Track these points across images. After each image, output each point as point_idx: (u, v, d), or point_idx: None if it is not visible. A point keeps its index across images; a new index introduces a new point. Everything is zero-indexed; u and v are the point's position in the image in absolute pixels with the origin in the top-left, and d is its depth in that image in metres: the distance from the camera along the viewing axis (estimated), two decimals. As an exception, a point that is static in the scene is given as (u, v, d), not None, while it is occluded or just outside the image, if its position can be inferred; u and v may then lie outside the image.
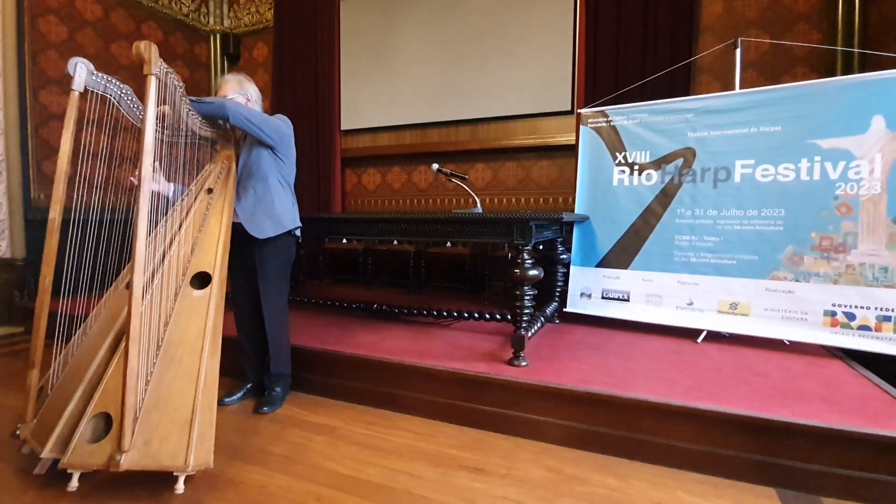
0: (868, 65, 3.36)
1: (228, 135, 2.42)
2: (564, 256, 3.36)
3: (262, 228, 2.27)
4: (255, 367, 2.54)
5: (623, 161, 3.28)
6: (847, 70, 3.54)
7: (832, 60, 3.65)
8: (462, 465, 1.94)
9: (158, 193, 2.14)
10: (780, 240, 2.76)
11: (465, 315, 3.10)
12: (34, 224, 4.18)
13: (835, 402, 1.97)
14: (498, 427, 2.22)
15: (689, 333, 2.96)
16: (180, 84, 1.95)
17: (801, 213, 2.70)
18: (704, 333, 2.93)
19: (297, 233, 2.46)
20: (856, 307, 2.56)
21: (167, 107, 1.95)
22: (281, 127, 2.34)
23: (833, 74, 3.53)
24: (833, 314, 2.61)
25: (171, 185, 2.26)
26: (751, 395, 2.03)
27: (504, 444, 2.12)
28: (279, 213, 2.32)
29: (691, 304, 3.00)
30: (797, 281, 2.71)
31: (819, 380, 2.25)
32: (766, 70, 3.95)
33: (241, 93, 2.37)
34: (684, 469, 1.89)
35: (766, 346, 2.77)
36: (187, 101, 2.03)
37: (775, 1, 3.91)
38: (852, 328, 2.56)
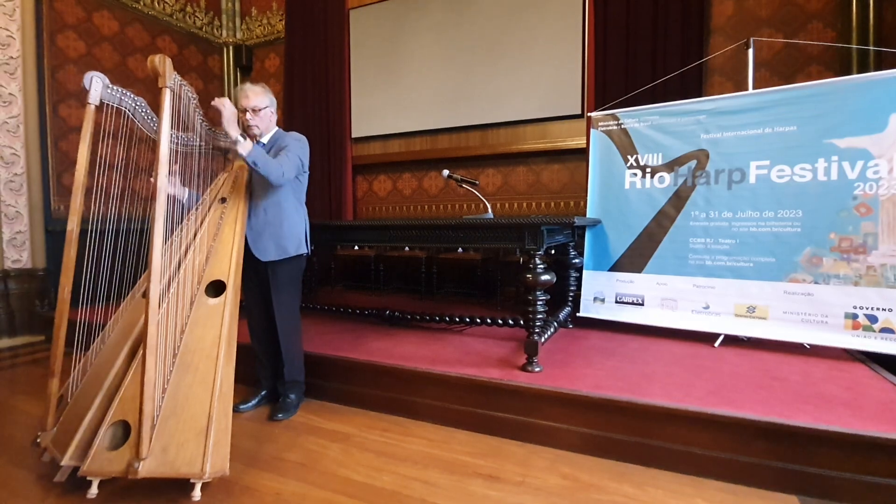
0: (884, 63, 3.30)
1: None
2: (577, 261, 3.34)
3: (266, 251, 2.31)
4: (269, 374, 2.56)
5: (635, 164, 3.26)
6: (863, 68, 3.49)
7: (847, 59, 3.59)
8: (476, 472, 1.93)
9: (174, 197, 2.17)
10: (797, 241, 2.71)
11: (478, 321, 3.09)
12: (54, 235, 4.27)
13: (858, 407, 1.92)
14: (512, 434, 2.21)
15: (706, 338, 2.92)
16: (194, 96, 1.99)
17: (819, 214, 2.65)
18: (722, 337, 2.88)
19: (305, 250, 2.46)
20: (878, 309, 2.50)
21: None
22: (303, 160, 2.36)
23: (848, 73, 3.48)
24: (854, 317, 2.55)
25: (186, 189, 2.29)
26: (770, 401, 1.99)
27: (519, 450, 2.10)
28: (286, 238, 2.33)
29: (707, 307, 2.96)
30: (816, 283, 2.65)
31: (841, 384, 2.20)
32: (779, 69, 3.90)
33: (270, 103, 2.38)
34: (703, 476, 1.85)
35: (785, 350, 2.71)
36: (201, 112, 2.07)
37: (788, -1, 3.88)
38: (874, 331, 2.50)
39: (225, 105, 2.04)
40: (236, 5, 6.19)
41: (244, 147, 2.06)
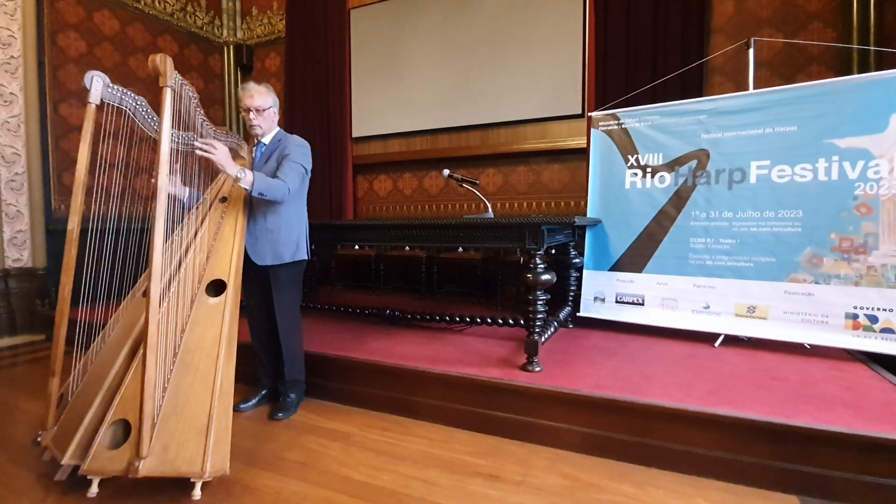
0: (885, 63, 3.30)
1: (241, 144, 2.46)
2: (577, 260, 3.34)
3: (263, 256, 2.30)
4: (269, 373, 2.56)
5: (635, 164, 3.26)
6: (863, 68, 3.49)
7: (848, 59, 3.59)
8: (477, 471, 1.93)
9: (175, 196, 2.17)
10: (798, 241, 2.71)
11: (478, 320, 3.09)
12: (55, 234, 4.27)
13: (858, 408, 1.92)
14: (512, 433, 2.21)
15: (706, 337, 2.92)
16: (195, 95, 1.99)
17: (819, 214, 2.65)
18: (722, 337, 2.88)
19: (302, 256, 2.43)
20: (878, 309, 2.50)
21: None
22: (307, 168, 2.35)
23: (849, 73, 3.47)
24: (855, 317, 2.55)
25: (187, 189, 2.29)
26: (771, 401, 1.99)
27: (519, 450, 2.10)
28: (282, 245, 2.32)
29: (708, 307, 2.96)
30: (817, 283, 2.65)
31: (841, 384, 2.20)
32: (779, 69, 3.90)
33: (273, 103, 2.37)
34: (703, 476, 1.85)
35: (785, 350, 2.71)
36: (202, 112, 2.07)
37: None
38: (875, 331, 2.50)
39: (212, 150, 1.97)
40: (237, 5, 6.20)
41: (247, 182, 2.06)
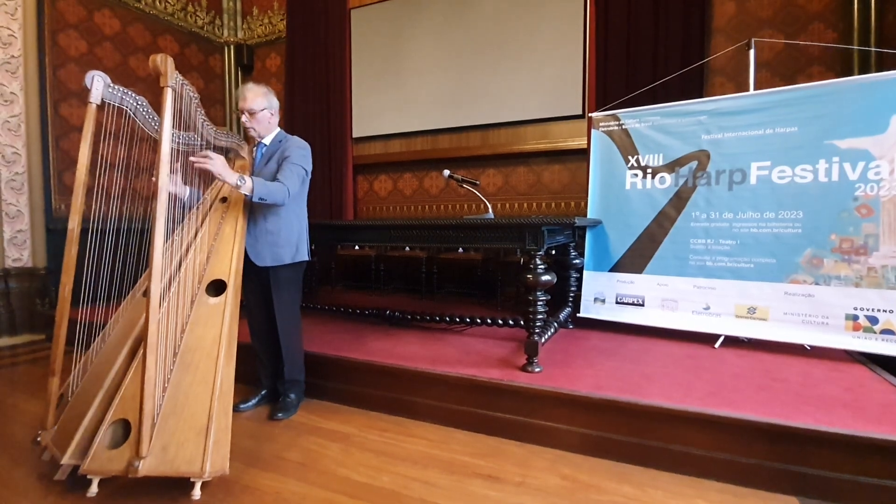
0: (885, 64, 3.30)
1: (242, 145, 2.46)
2: (577, 261, 3.34)
3: (262, 257, 2.30)
4: (269, 373, 2.56)
5: (636, 164, 3.26)
6: (864, 69, 3.48)
7: (848, 60, 3.59)
8: (476, 472, 1.93)
9: (175, 196, 2.17)
10: (798, 242, 2.71)
11: (478, 321, 3.09)
12: (55, 233, 4.27)
13: (858, 409, 1.92)
14: (512, 434, 2.21)
15: (706, 339, 2.91)
16: (195, 95, 1.99)
17: (819, 215, 2.65)
18: (722, 338, 2.88)
19: (302, 258, 2.43)
20: (878, 310, 2.50)
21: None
22: (307, 169, 2.35)
23: (850, 74, 3.47)
24: (855, 318, 2.55)
25: (188, 188, 2.29)
26: (771, 402, 1.99)
27: (518, 451, 2.10)
28: (282, 246, 2.32)
29: (708, 308, 2.96)
30: (817, 284, 2.65)
31: (841, 385, 2.20)
32: (780, 70, 3.90)
33: (268, 105, 2.36)
34: (703, 477, 1.85)
35: (785, 352, 2.71)
36: (202, 112, 2.07)
37: (789, 0, 3.87)
38: (875, 332, 2.50)
39: (208, 162, 1.95)
40: (237, 5, 6.20)
41: (246, 189, 2.07)
